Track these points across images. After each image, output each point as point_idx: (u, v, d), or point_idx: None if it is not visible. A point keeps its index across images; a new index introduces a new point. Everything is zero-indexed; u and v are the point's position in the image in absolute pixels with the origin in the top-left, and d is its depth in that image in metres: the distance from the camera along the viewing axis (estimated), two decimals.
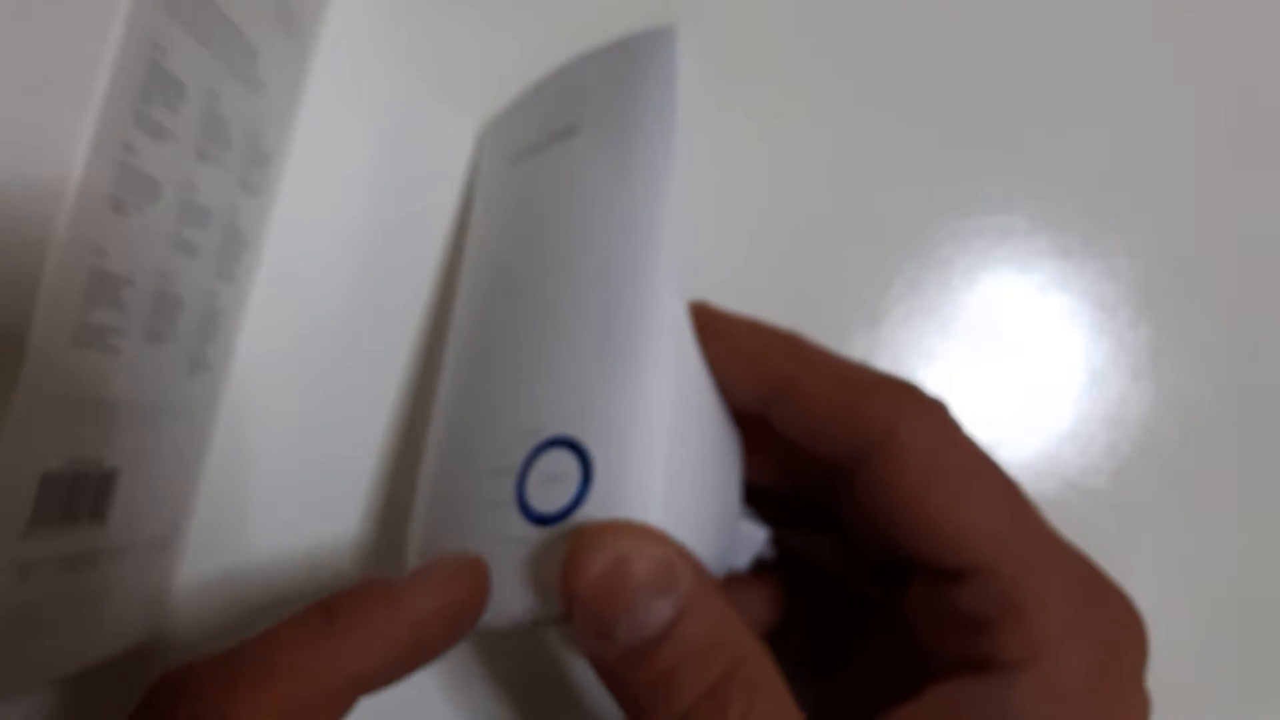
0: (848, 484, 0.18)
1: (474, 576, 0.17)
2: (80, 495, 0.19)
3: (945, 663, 0.17)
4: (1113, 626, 0.17)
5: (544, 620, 0.17)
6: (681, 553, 0.16)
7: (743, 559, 0.21)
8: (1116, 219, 0.26)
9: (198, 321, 0.22)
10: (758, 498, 0.21)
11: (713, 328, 0.19)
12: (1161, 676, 0.25)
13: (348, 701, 0.15)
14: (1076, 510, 0.25)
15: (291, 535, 0.24)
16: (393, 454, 0.25)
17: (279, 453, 0.25)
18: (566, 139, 0.21)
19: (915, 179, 0.26)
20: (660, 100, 0.20)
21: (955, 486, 0.17)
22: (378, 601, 0.16)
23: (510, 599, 0.17)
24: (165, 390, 0.21)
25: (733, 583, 0.21)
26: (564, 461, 0.17)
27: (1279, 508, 0.26)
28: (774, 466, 0.20)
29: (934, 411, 0.18)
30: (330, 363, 0.25)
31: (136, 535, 0.21)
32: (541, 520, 0.17)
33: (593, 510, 0.17)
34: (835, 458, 0.18)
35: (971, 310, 0.26)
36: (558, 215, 0.20)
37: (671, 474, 0.17)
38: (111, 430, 0.19)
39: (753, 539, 0.21)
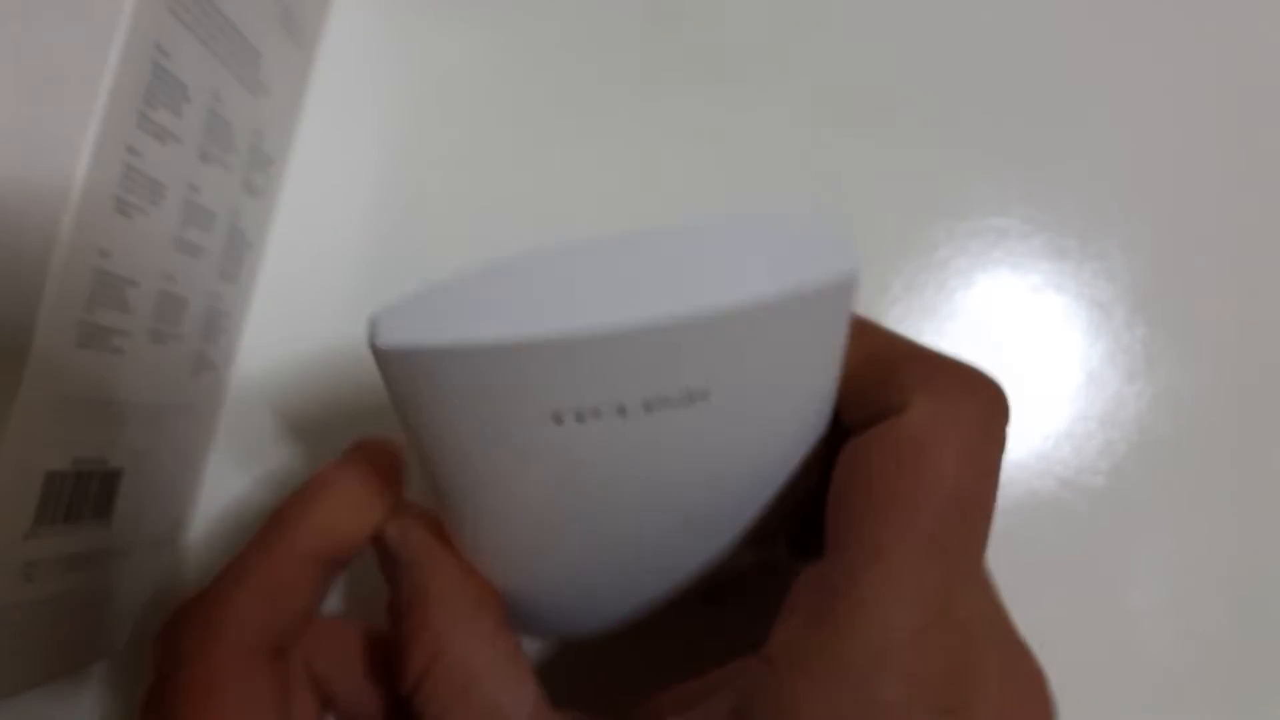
0: None
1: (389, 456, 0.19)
2: (84, 494, 0.19)
3: None
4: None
5: None
6: None
7: None
8: (1112, 220, 0.26)
9: (201, 322, 0.22)
10: None
11: None
12: (1157, 674, 0.25)
13: (321, 571, 0.18)
14: (1072, 509, 0.25)
15: None
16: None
17: (281, 452, 0.25)
18: (687, 405, 0.15)
19: (912, 181, 0.26)
20: (827, 357, 0.16)
21: (889, 505, 0.15)
22: (318, 488, 0.19)
23: None
24: (169, 390, 0.21)
25: None
26: None
27: (1274, 506, 0.26)
28: None
29: (947, 410, 0.16)
30: (331, 362, 0.25)
31: (140, 534, 0.21)
32: None
33: None
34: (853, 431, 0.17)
35: (969, 311, 0.26)
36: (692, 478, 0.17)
37: None
38: (115, 430, 0.19)
39: None
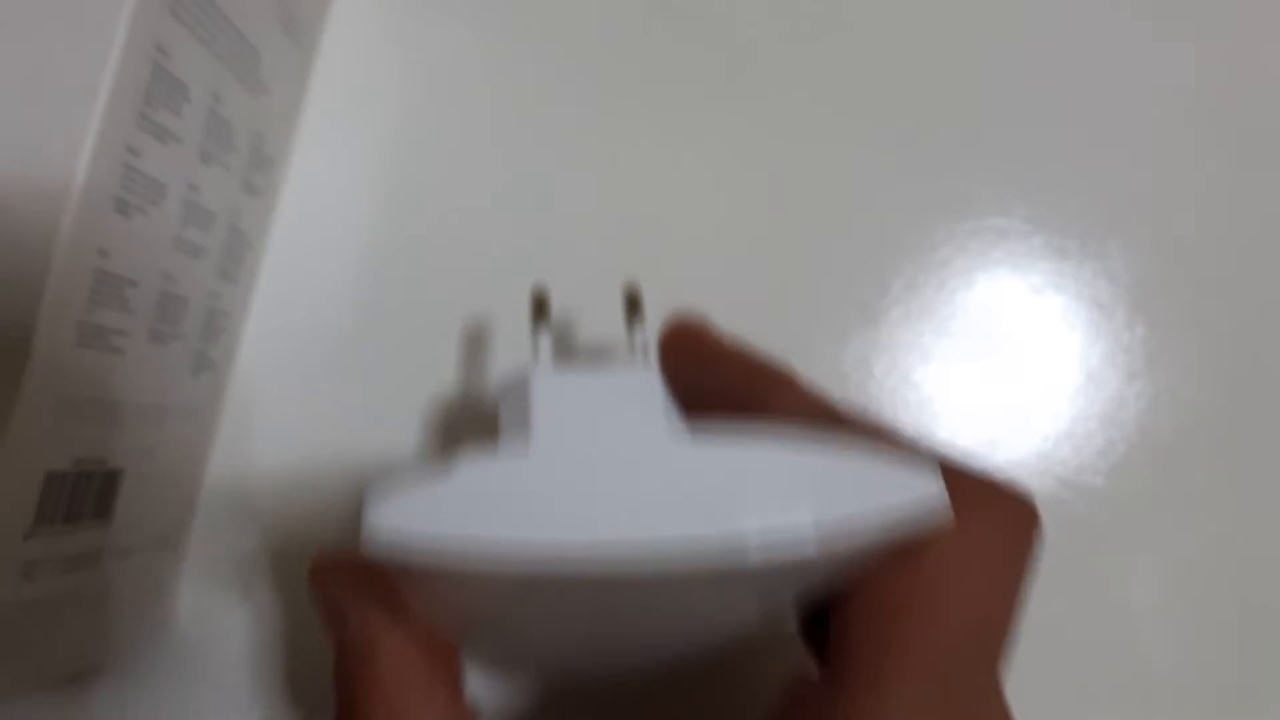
0: None
1: None
2: (84, 495, 0.19)
3: None
4: None
5: None
6: None
7: None
8: (1112, 220, 0.26)
9: (201, 322, 0.22)
10: None
11: (699, 350, 0.18)
12: (1157, 674, 0.25)
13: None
14: (1072, 508, 0.25)
15: (294, 534, 0.24)
16: (394, 452, 0.25)
17: (281, 452, 0.25)
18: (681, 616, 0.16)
19: (912, 181, 0.26)
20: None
21: (902, 647, 0.15)
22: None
23: None
24: (169, 390, 0.21)
25: None
26: None
27: (1274, 506, 0.26)
28: None
29: (972, 541, 0.16)
30: (332, 362, 0.25)
31: (140, 534, 0.21)
32: None
33: None
34: None
35: (969, 311, 0.26)
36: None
37: None
38: (115, 430, 0.19)
39: None
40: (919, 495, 0.13)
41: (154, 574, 0.23)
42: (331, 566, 0.18)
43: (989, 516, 0.16)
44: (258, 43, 0.22)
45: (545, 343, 0.19)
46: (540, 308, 0.20)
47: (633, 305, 0.20)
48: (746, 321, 0.26)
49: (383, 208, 0.26)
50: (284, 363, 0.25)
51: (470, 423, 0.25)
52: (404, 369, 0.25)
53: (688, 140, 0.26)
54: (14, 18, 0.16)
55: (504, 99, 0.26)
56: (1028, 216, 0.26)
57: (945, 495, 0.13)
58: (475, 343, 0.25)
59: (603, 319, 0.25)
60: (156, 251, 0.19)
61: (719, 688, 0.22)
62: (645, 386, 0.17)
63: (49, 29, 0.16)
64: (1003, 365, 0.26)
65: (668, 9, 0.27)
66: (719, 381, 0.18)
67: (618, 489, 0.12)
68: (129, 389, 0.19)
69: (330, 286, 0.25)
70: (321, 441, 0.25)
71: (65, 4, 0.16)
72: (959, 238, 0.26)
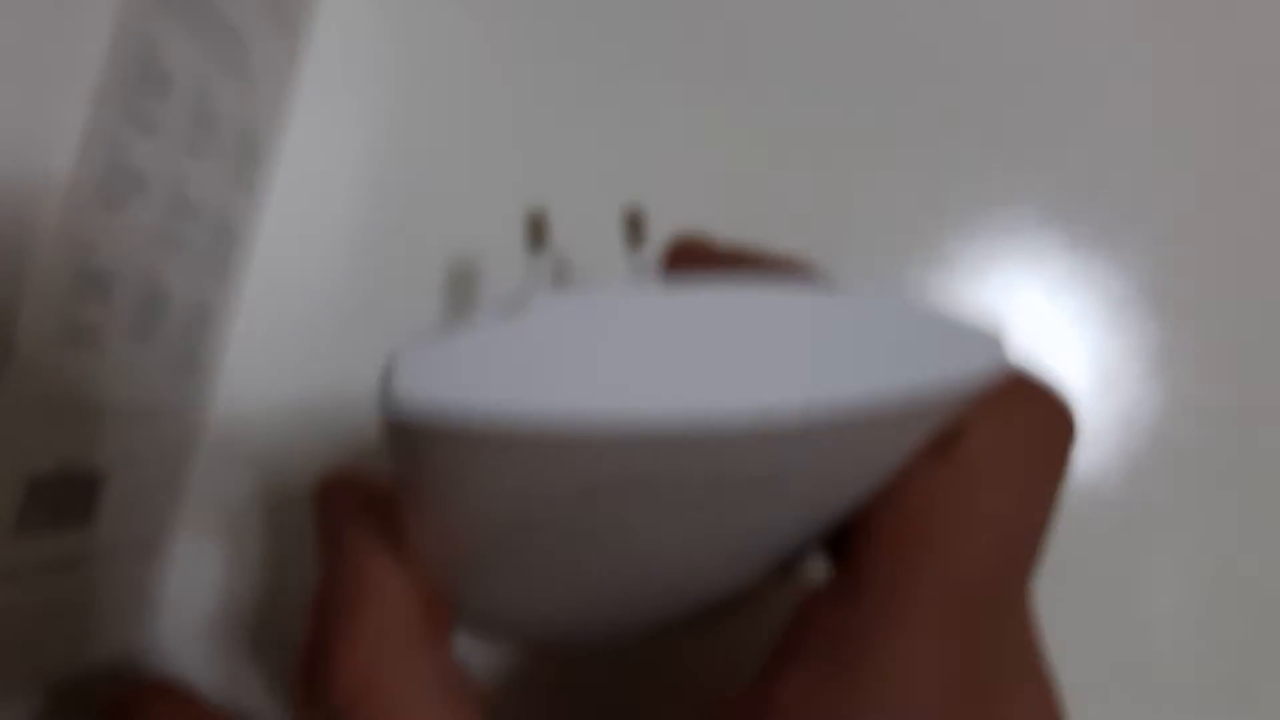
0: None
1: None
2: (68, 498, 0.18)
3: None
4: None
5: None
6: None
7: None
8: (1127, 213, 0.26)
9: (187, 319, 0.22)
10: None
11: (707, 261, 0.17)
12: (1174, 678, 0.25)
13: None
14: (1088, 514, 0.25)
15: (281, 537, 0.24)
16: (383, 455, 0.25)
17: (269, 454, 0.25)
18: (747, 487, 0.13)
19: (920, 171, 0.26)
20: (924, 433, 0.14)
21: (929, 556, 0.14)
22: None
23: None
24: (154, 390, 0.21)
25: None
26: None
27: None
28: None
29: (1001, 444, 0.15)
30: (322, 361, 0.25)
31: (125, 538, 0.21)
32: None
33: None
34: None
35: (978, 307, 0.26)
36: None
37: None
38: (99, 431, 0.19)
39: None
40: (991, 361, 0.12)
41: (139, 578, 0.23)
42: (340, 486, 0.17)
43: (1028, 415, 0.15)
44: (246, 30, 0.21)
45: (545, 269, 0.16)
46: (538, 233, 0.17)
47: (634, 228, 0.18)
48: None
49: (374, 200, 0.26)
50: (272, 361, 0.25)
51: None
52: None
53: (686, 126, 0.26)
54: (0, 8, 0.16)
55: (496, 84, 0.26)
56: (1040, 208, 0.26)
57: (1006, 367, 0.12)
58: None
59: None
60: (142, 246, 0.19)
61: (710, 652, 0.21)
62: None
63: (34, 17, 0.16)
64: (1013, 364, 0.26)
65: (669, 3, 0.27)
66: None
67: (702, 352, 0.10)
68: (113, 388, 0.19)
69: (321, 282, 0.25)
70: (311, 441, 0.25)
71: None
72: (968, 230, 0.26)
